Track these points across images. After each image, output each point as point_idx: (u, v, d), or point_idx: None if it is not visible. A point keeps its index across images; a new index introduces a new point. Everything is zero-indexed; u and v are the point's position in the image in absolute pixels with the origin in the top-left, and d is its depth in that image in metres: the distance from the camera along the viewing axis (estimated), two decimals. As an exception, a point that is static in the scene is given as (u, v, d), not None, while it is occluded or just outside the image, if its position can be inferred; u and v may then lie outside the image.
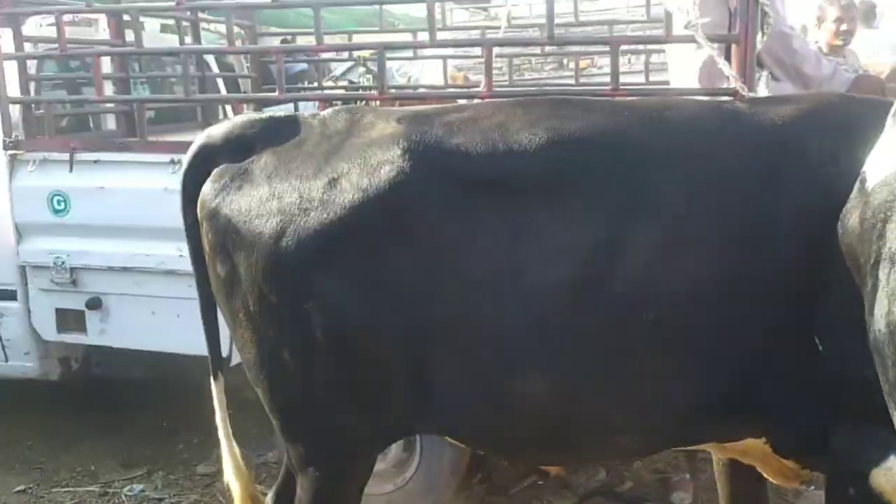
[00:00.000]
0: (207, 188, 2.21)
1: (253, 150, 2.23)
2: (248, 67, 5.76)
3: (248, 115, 2.36)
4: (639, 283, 2.00)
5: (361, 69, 5.67)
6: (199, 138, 2.36)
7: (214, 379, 2.49)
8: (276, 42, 6.52)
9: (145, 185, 3.46)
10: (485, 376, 2.09)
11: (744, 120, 2.13)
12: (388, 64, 5.92)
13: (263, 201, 2.10)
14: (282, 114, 2.31)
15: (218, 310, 2.36)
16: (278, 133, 2.25)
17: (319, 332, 2.07)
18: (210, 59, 5.45)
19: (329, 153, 2.13)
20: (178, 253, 3.35)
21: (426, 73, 6.74)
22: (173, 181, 3.30)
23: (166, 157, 3.43)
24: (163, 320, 3.55)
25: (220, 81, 5.55)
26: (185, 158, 2.34)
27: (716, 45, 2.90)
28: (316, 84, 6.28)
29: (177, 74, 5.13)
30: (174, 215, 2.35)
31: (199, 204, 2.23)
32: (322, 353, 2.11)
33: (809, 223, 1.97)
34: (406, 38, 5.72)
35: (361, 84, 5.83)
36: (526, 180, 2.04)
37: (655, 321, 2.00)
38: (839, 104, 2.26)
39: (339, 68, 6.73)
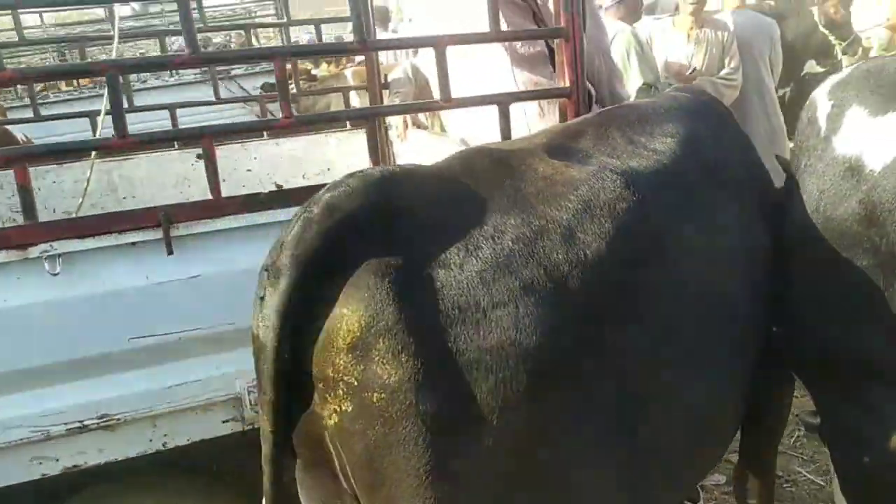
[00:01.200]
0: (378, 291, 1.48)
1: (401, 216, 1.59)
2: None
3: (375, 169, 1.69)
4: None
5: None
6: (316, 210, 1.54)
7: None
8: None
9: None
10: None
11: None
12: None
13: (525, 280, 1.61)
14: (409, 165, 1.82)
15: None
16: (423, 192, 1.67)
17: None
18: None
19: (522, 206, 1.70)
20: None
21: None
22: None
23: None
24: None
25: None
26: (292, 252, 1.50)
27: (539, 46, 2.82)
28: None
29: None
30: None
31: (360, 320, 1.48)
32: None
33: None
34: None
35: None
36: (686, 181, 2.01)
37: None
38: None
39: None
